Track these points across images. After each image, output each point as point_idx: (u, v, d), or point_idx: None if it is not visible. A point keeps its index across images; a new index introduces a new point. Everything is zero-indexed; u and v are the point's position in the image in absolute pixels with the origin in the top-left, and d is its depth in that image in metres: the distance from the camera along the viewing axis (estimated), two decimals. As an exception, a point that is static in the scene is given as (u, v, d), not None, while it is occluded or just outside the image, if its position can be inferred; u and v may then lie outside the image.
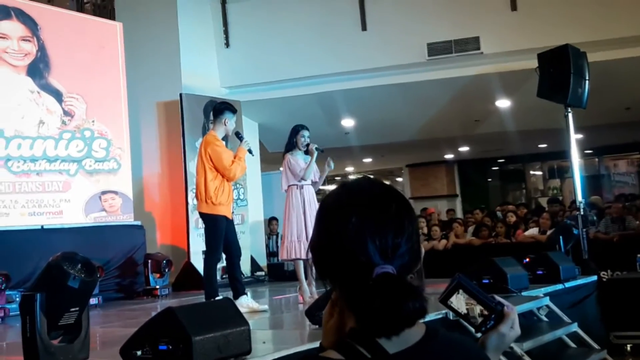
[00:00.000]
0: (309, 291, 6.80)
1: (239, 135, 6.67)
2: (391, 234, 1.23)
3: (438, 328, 1.27)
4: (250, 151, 6.60)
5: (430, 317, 4.29)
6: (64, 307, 3.18)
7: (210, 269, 6.33)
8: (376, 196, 1.28)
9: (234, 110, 6.54)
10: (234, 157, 6.36)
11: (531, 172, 21.27)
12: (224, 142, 6.52)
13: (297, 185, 6.96)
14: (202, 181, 6.32)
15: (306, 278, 6.90)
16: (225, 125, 6.43)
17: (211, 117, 6.85)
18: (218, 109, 6.55)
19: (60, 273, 3.10)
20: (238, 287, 6.30)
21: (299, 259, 6.79)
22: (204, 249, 6.61)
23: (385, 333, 1.18)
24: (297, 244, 6.75)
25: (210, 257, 6.37)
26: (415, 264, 1.26)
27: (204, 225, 6.68)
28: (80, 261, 3.20)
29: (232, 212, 6.61)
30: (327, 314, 1.31)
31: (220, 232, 6.31)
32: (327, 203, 1.32)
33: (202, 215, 6.51)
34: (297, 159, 6.98)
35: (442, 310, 4.75)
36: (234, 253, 6.46)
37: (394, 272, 1.19)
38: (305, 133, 6.99)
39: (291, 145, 7.03)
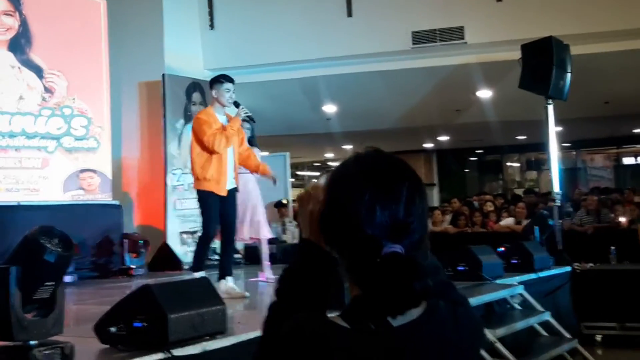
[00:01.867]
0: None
1: (236, 105, 6.29)
2: (402, 212, 1.24)
3: (439, 301, 1.28)
4: (251, 118, 6.36)
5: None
6: (39, 281, 3.16)
7: (200, 247, 6.17)
8: (389, 173, 1.28)
9: (222, 80, 6.17)
10: (216, 129, 5.97)
11: (509, 164, 21.45)
12: (218, 116, 6.13)
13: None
14: (189, 158, 6.12)
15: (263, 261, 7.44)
16: (216, 98, 6.12)
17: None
18: (209, 83, 6.32)
19: (37, 246, 3.09)
20: (220, 269, 6.13)
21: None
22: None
23: (391, 312, 1.20)
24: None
25: (201, 236, 6.20)
26: (423, 240, 1.28)
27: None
28: (58, 235, 3.18)
29: (235, 189, 6.25)
30: (308, 205, 1.35)
31: (209, 210, 6.03)
32: (339, 175, 1.32)
33: (197, 192, 6.21)
34: None
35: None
36: (226, 234, 6.25)
37: (402, 251, 1.20)
38: (246, 125, 7.26)
39: None
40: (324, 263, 1.32)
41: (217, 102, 6.17)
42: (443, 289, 1.37)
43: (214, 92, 6.16)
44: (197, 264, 6.13)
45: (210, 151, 5.94)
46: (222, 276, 6.07)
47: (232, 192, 6.19)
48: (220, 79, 6.21)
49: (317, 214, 1.33)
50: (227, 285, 6.01)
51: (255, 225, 7.29)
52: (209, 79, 10.61)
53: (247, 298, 6.10)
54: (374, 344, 1.18)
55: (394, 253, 1.19)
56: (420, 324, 1.22)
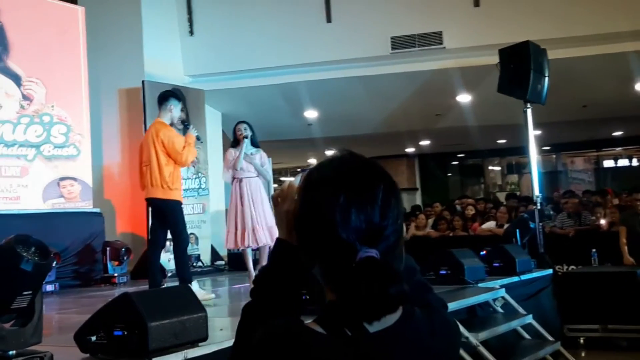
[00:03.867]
0: None
1: (184, 123, 6.71)
2: (378, 215, 1.21)
3: (415, 307, 1.26)
4: (198, 137, 6.62)
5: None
6: (16, 291, 3.12)
7: (186, 256, 6.30)
8: (364, 175, 1.26)
9: (179, 98, 6.52)
10: (185, 143, 6.31)
11: (490, 167, 21.54)
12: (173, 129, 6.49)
13: (237, 178, 7.11)
14: (156, 167, 6.22)
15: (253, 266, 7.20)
16: (170, 112, 6.37)
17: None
18: (163, 95, 6.52)
19: (13, 255, 3.05)
20: (180, 277, 6.24)
21: (244, 248, 6.97)
22: (169, 236, 6.45)
23: (367, 318, 1.17)
24: (233, 235, 6.94)
25: (182, 242, 6.23)
26: (399, 244, 1.25)
27: (151, 211, 6.65)
28: (34, 244, 3.15)
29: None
30: (283, 205, 1.34)
31: (182, 218, 6.29)
32: (313, 177, 1.28)
33: (156, 201, 6.33)
34: (232, 152, 7.22)
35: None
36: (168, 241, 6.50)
37: (378, 256, 1.17)
38: (242, 126, 7.23)
39: (235, 142, 7.24)
40: (300, 264, 1.30)
41: (168, 117, 6.39)
42: (419, 291, 1.36)
43: (172, 106, 6.39)
44: (189, 274, 6.17)
45: (180, 163, 6.25)
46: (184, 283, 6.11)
47: None
48: (178, 97, 6.54)
49: (292, 214, 1.31)
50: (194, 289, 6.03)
51: (270, 230, 6.99)
52: (189, 86, 10.71)
53: (213, 298, 6.20)
54: (350, 350, 1.16)
55: (369, 258, 1.16)
56: (396, 330, 1.21)
